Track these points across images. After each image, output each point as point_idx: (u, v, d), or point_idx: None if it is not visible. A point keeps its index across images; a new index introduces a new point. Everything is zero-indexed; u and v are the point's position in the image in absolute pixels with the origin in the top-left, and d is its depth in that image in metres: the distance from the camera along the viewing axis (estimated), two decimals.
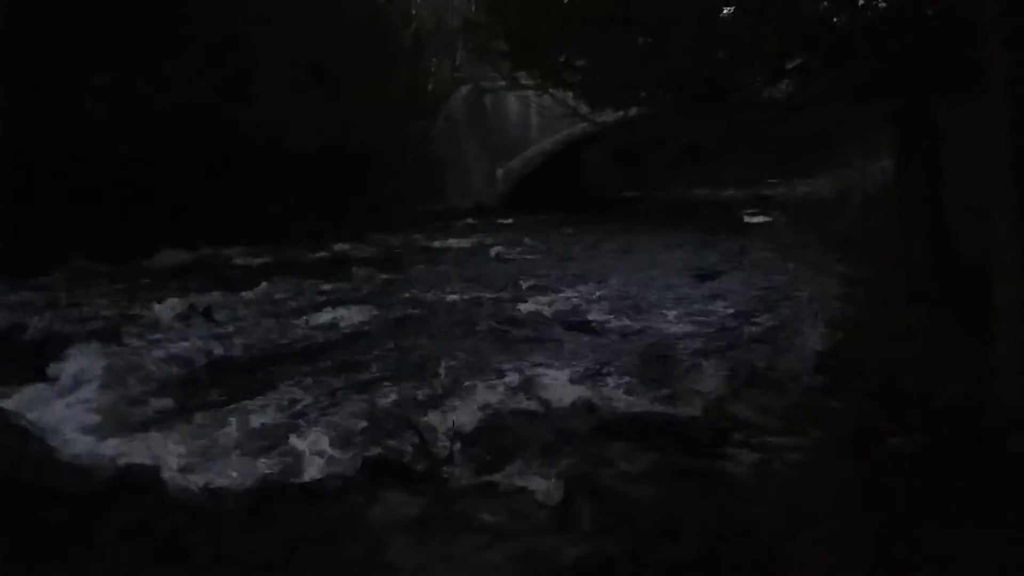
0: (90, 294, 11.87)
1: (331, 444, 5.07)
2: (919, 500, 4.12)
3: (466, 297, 11.03)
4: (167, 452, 4.91)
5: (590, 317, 9.76)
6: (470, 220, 22.69)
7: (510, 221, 22.17)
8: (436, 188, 23.79)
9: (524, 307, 10.32)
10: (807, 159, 24.57)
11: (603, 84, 9.23)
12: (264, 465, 4.88)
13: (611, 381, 6.94)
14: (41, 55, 15.26)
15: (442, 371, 7.26)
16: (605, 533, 4.08)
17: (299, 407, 5.96)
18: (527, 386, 6.74)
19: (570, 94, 9.60)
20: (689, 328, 9.05)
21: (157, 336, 8.38)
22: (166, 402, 6.07)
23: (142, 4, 15.94)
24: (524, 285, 11.90)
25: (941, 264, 7.66)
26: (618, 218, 22.53)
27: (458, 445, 5.24)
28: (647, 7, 8.13)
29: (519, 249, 16.07)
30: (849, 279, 10.59)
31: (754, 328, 8.90)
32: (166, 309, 9.69)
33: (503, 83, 20.95)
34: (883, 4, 8.31)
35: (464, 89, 24.66)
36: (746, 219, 20.95)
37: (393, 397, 6.35)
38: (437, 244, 17.16)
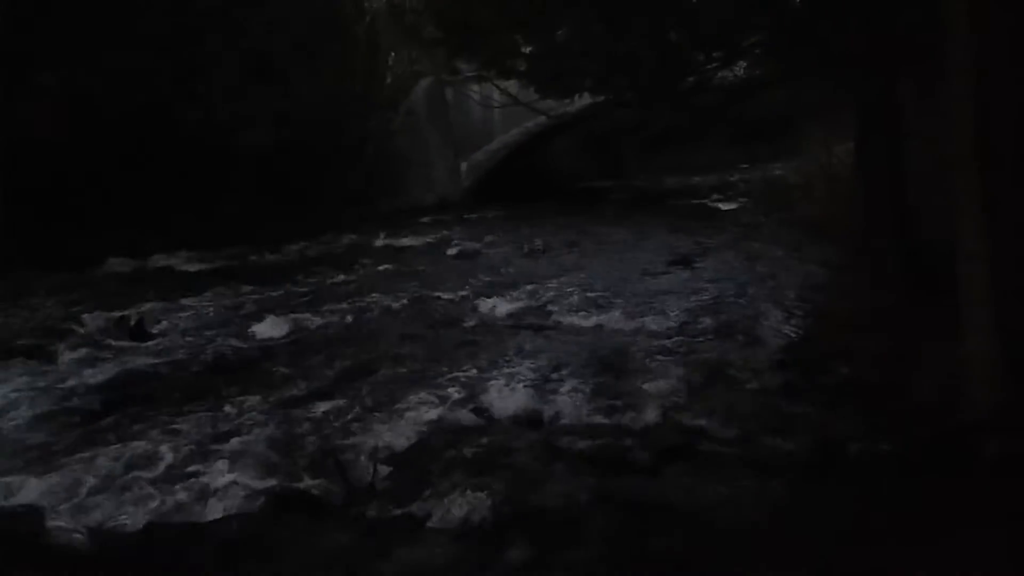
0: (31, 305, 11.24)
1: (241, 475, 4.56)
2: (879, 517, 3.70)
3: (419, 299, 10.52)
4: (50, 491, 4.38)
5: (549, 316, 9.31)
6: (434, 216, 22.09)
7: (475, 216, 21.61)
8: (398, 184, 23.15)
9: (480, 307, 9.84)
10: (777, 143, 24.27)
11: (551, 71, 8.76)
12: (162, 502, 4.37)
13: (563, 387, 6.49)
14: None
15: (381, 383, 6.78)
16: (536, 569, 3.64)
17: (214, 431, 5.44)
18: (471, 397, 6.27)
19: (513, 83, 9.13)
20: (651, 324, 8.61)
21: (76, 355, 7.80)
22: (65, 432, 5.53)
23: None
24: (482, 284, 11.42)
25: (905, 248, 7.29)
26: (586, 209, 22.04)
27: (382, 471, 4.77)
28: None
29: (480, 245, 15.56)
30: (815, 266, 10.22)
31: (718, 322, 8.48)
32: (95, 322, 9.10)
33: (463, 75, 20.43)
34: None
35: (424, 82, 24.01)
36: (715, 206, 20.59)
37: (320, 415, 5.84)
38: (396, 242, 16.59)
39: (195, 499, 4.35)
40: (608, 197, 25.03)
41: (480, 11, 7.17)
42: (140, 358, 7.71)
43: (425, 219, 21.48)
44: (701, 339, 7.88)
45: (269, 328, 9.04)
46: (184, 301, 11.01)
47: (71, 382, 7.04)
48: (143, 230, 16.16)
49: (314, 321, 9.40)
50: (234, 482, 4.47)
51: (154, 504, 4.30)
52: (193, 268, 14.67)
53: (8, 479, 4.69)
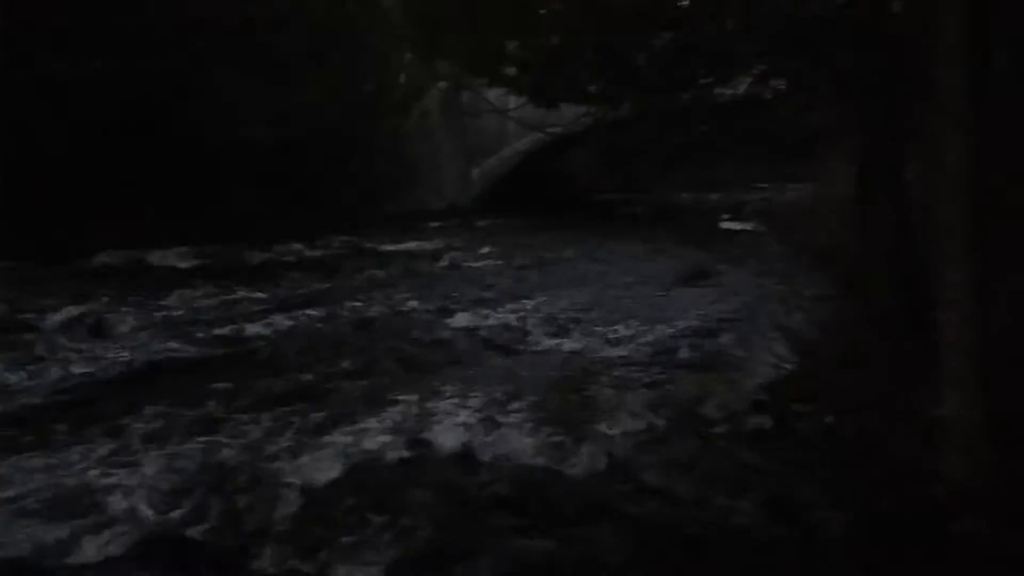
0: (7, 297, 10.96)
1: (123, 513, 4.12)
2: None
3: (396, 310, 10.10)
4: None
5: (525, 336, 8.82)
6: (441, 222, 21.72)
7: (482, 223, 21.22)
8: (407, 188, 22.83)
9: (455, 323, 9.38)
10: (797, 163, 23.63)
11: (540, 78, 8.32)
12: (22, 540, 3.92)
13: (515, 418, 5.99)
14: None
15: (326, 404, 6.34)
16: None
17: (114, 457, 4.99)
18: (414, 426, 5.80)
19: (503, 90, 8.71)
20: (629, 351, 8.09)
21: (14, 354, 7.43)
22: None
23: None
24: (465, 297, 10.96)
25: (902, 283, 6.72)
26: (594, 222, 21.56)
27: (288, 511, 4.32)
28: None
29: (477, 254, 15.13)
30: (812, 297, 9.65)
31: (701, 352, 7.94)
32: (53, 320, 8.76)
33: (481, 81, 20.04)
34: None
35: (440, 86, 23.66)
36: (725, 226, 19.98)
37: (244, 441, 5.40)
38: (392, 248, 16.20)
39: (59, 540, 3.89)
40: (619, 211, 24.52)
41: (451, 9, 6.72)
42: (82, 361, 7.33)
43: (431, 224, 21.13)
44: (679, 371, 7.35)
45: (232, 332, 8.68)
46: (163, 300, 10.72)
47: None
48: (138, 224, 15.95)
49: (281, 328, 9.01)
50: (113, 519, 4.02)
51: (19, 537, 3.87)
52: (184, 264, 14.42)
53: None
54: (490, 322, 9.39)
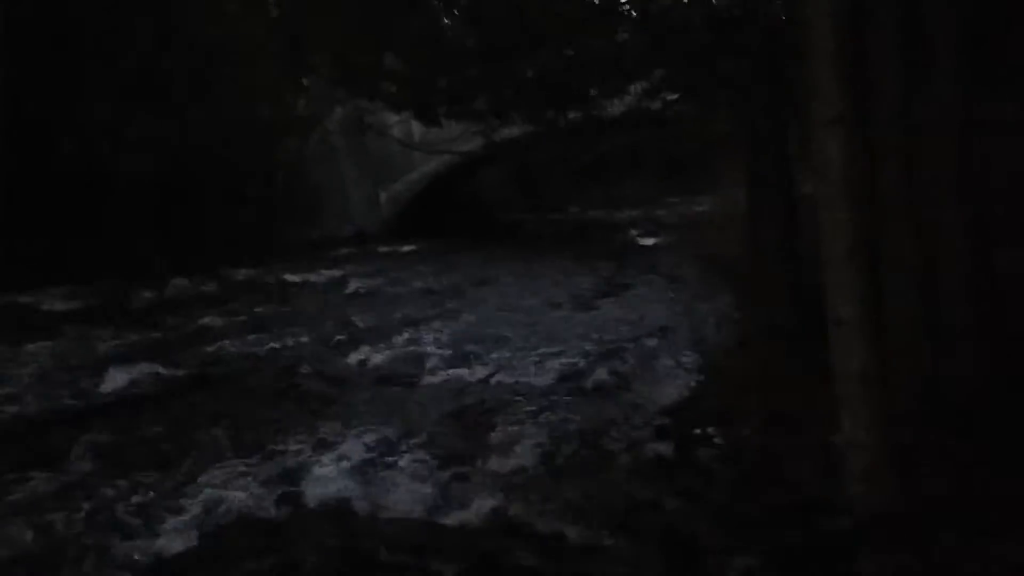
0: None
1: None
2: None
3: (288, 346, 9.47)
4: None
5: (423, 367, 8.34)
6: (348, 249, 21.05)
7: (389, 250, 20.67)
8: (311, 215, 22.04)
9: (350, 356, 8.84)
10: (707, 177, 23.98)
11: (424, 95, 7.92)
12: None
13: (402, 461, 5.51)
14: None
15: (197, 454, 5.72)
16: None
17: None
18: (289, 477, 5.25)
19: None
20: (532, 378, 7.71)
21: None
22: None
23: None
24: (364, 328, 10.42)
25: (797, 296, 6.58)
26: (506, 243, 21.31)
27: None
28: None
29: (382, 282, 14.56)
30: (718, 313, 9.52)
31: (605, 375, 7.62)
32: None
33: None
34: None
35: (341, 108, 23.02)
36: (635, 241, 20.00)
37: (95, 504, 4.78)
38: (293, 278, 15.47)
39: None
40: (530, 231, 24.34)
41: (317, 23, 6.25)
42: None
43: (337, 252, 20.44)
44: (583, 398, 7.01)
45: (104, 383, 7.92)
46: (28, 346, 9.82)
47: None
48: (10, 265, 14.76)
49: (158, 374, 8.26)
50: None
51: None
52: (61, 307, 13.33)
53: None
54: (388, 353, 8.88)
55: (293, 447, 5.84)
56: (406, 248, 20.67)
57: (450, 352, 8.89)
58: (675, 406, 6.48)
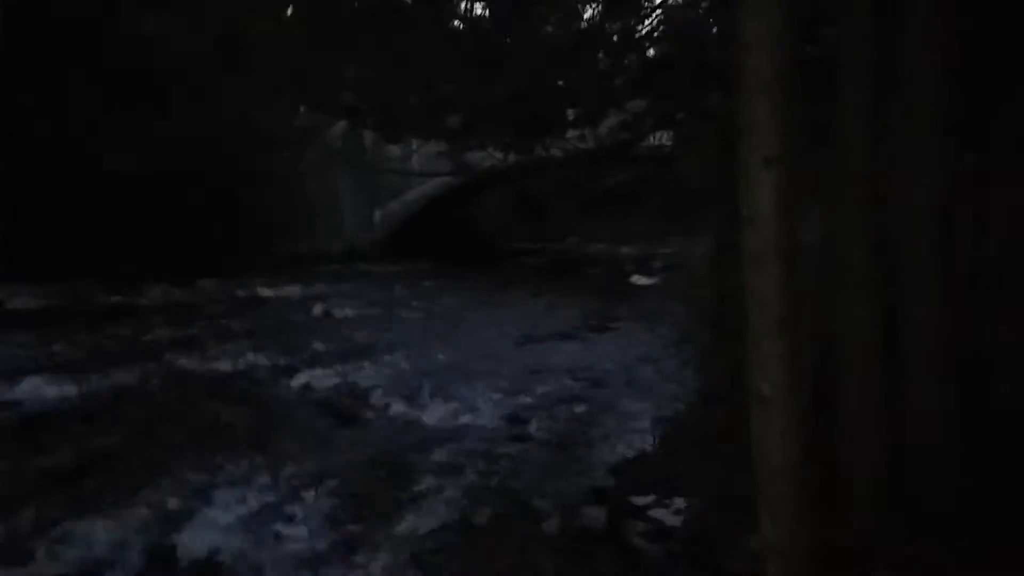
0: None
1: None
2: None
3: (235, 366, 8.91)
4: None
5: (366, 400, 7.78)
6: (335, 266, 20.58)
7: (377, 269, 20.18)
8: (303, 228, 21.63)
9: (294, 383, 8.27)
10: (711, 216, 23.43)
11: (388, 111, 7.44)
12: None
13: (304, 511, 4.92)
14: None
15: (96, 482, 5.18)
16: None
17: None
18: (167, 523, 4.66)
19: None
20: (477, 420, 7.14)
21: None
22: None
23: None
24: (319, 351, 9.87)
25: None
26: (497, 272, 20.75)
27: None
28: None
29: (355, 304, 14.01)
30: (694, 361, 8.91)
31: (554, 424, 7.03)
32: None
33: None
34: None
35: (340, 122, 22.68)
36: (629, 280, 19.42)
37: None
38: (268, 293, 14.95)
39: None
40: (525, 261, 23.79)
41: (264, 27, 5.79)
42: None
43: (323, 268, 19.97)
44: (526, 447, 6.42)
45: (23, 393, 7.40)
46: None
47: None
48: None
49: (87, 386, 7.73)
50: None
51: None
52: (20, 305, 12.86)
53: None
54: (334, 382, 8.32)
55: (180, 489, 5.24)
56: (393, 269, 20.19)
57: (398, 385, 8.31)
58: (621, 465, 5.87)
